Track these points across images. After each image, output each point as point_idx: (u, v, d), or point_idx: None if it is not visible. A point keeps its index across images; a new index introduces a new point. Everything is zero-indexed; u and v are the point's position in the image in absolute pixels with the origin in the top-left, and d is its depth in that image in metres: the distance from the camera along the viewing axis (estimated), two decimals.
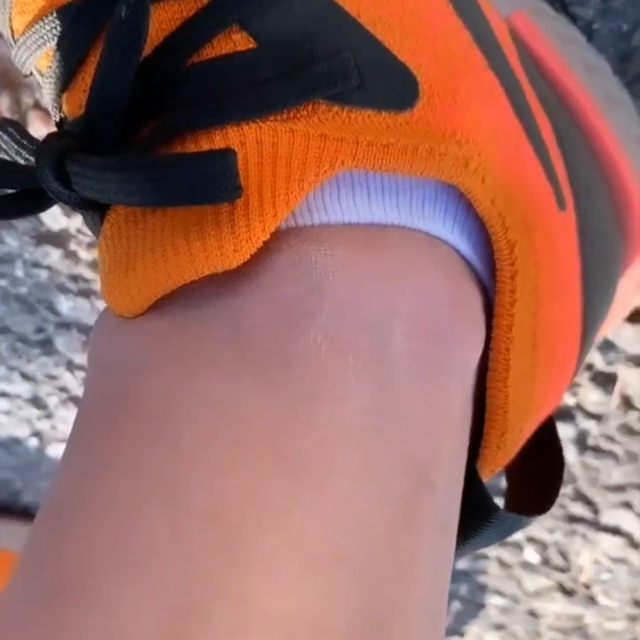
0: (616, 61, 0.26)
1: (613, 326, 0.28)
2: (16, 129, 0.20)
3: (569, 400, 0.38)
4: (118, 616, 0.14)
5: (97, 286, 0.38)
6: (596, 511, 0.42)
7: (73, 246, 0.37)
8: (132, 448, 0.16)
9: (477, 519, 0.21)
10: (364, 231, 0.19)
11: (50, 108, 0.21)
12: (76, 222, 0.36)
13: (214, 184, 0.16)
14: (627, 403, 0.37)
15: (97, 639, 0.14)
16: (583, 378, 0.37)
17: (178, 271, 0.17)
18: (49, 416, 0.42)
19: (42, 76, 0.20)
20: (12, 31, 0.21)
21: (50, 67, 0.19)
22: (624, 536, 0.42)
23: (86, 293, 0.39)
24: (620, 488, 0.40)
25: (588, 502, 0.41)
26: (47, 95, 0.20)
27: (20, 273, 0.39)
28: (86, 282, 0.38)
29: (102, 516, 0.15)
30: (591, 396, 0.37)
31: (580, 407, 0.38)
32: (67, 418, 0.42)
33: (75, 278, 0.38)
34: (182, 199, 0.17)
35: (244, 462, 0.16)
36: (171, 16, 0.18)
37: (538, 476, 0.24)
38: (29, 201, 0.20)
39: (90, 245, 0.36)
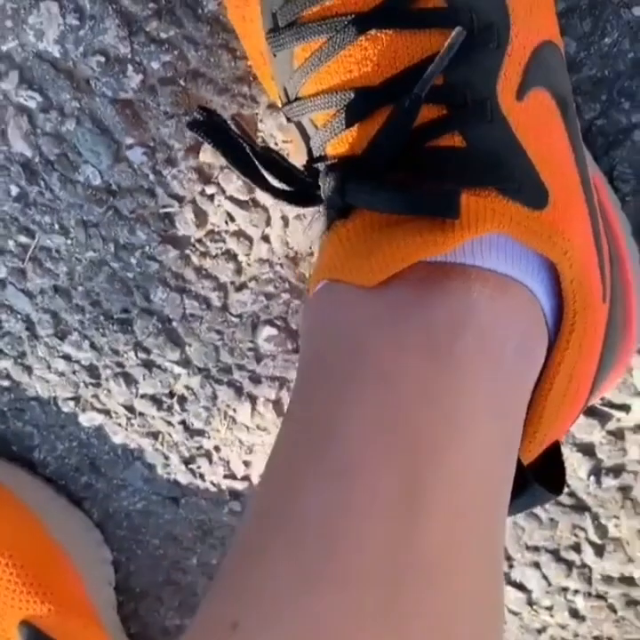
0: (636, 233, 0.39)
1: (600, 395, 0.40)
2: (276, 153, 0.31)
3: None
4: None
5: (191, 287, 0.47)
6: (510, 566, 0.52)
7: (188, 251, 0.47)
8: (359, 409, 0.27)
9: (516, 489, 0.31)
10: (500, 279, 0.30)
11: (301, 141, 0.32)
12: (199, 233, 0.46)
13: (444, 207, 0.28)
14: None
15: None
16: None
17: (407, 253, 0.28)
18: (96, 385, 0.50)
19: (315, 126, 0.31)
20: (286, 91, 0.32)
21: (329, 122, 0.30)
22: (526, 592, 0.52)
23: (181, 290, 0.48)
24: (535, 548, 0.51)
25: (507, 557, 0.52)
26: (316, 137, 0.31)
27: (133, 260, 0.46)
28: (185, 281, 0.47)
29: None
30: None
31: None
32: (112, 391, 0.50)
33: (177, 276, 0.47)
34: (423, 210, 0.28)
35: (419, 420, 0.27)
36: (427, 115, 0.30)
37: (547, 475, 0.35)
38: (296, 198, 0.30)
39: (202, 254, 0.46)
